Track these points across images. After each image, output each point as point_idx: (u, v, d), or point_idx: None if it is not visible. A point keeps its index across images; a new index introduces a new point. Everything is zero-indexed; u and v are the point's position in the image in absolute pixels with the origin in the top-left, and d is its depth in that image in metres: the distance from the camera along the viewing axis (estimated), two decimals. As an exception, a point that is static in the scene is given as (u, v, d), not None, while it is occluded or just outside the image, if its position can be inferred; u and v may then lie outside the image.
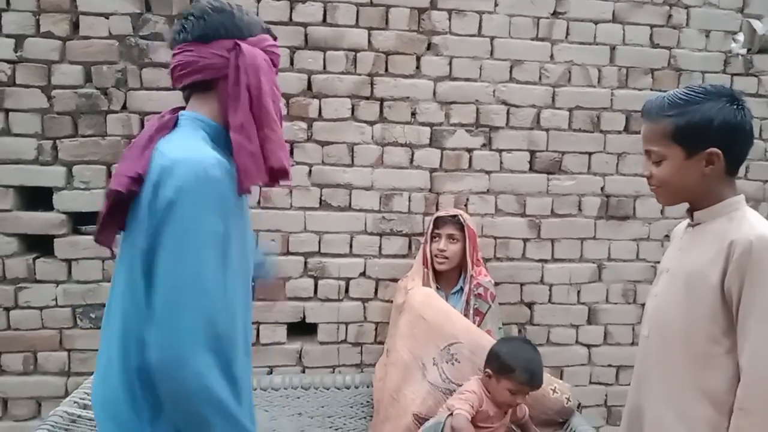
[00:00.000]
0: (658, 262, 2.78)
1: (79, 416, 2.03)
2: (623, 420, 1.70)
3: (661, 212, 2.82)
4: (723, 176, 1.47)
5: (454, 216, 2.52)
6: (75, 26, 2.44)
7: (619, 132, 2.79)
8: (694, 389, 1.44)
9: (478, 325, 2.42)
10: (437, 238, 2.52)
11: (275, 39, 1.38)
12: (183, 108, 1.34)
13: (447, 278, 2.55)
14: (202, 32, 1.26)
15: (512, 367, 1.96)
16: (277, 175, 1.27)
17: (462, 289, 2.53)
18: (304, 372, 2.66)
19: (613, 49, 2.75)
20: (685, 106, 1.44)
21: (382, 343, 2.65)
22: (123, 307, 1.19)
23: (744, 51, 2.82)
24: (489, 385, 2.02)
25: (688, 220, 1.59)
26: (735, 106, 1.44)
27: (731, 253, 1.38)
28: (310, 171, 2.61)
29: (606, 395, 2.87)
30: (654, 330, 1.56)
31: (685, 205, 1.56)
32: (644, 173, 1.55)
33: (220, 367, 1.12)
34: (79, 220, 2.50)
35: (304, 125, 2.59)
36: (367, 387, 2.54)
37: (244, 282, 1.30)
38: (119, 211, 1.19)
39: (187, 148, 1.18)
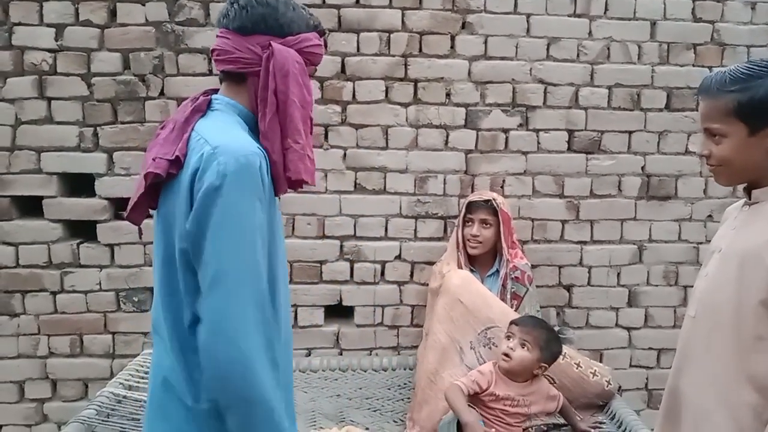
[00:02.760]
0: (701, 243, 2.77)
1: (125, 397, 2.09)
2: (663, 402, 1.66)
3: (704, 192, 2.75)
4: None
5: (488, 201, 2.49)
6: (113, 14, 2.48)
7: (660, 110, 2.71)
8: (739, 373, 1.40)
9: (516, 309, 2.40)
10: (470, 223, 2.50)
11: (323, 35, 1.36)
12: (215, 90, 1.34)
13: (482, 261, 2.54)
14: (241, 24, 1.25)
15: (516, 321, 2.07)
16: (295, 185, 1.29)
17: (498, 271, 2.51)
18: (341, 354, 2.68)
19: (653, 24, 2.68)
20: (748, 81, 1.38)
21: (418, 326, 2.65)
22: (162, 289, 1.23)
23: (793, 23, 2.71)
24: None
25: (744, 200, 1.54)
26: None
27: None
28: (345, 154, 2.61)
29: (647, 378, 2.83)
30: (702, 311, 1.51)
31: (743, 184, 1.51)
32: (702, 152, 1.49)
33: (265, 350, 1.14)
34: (120, 206, 2.55)
35: (338, 108, 2.58)
36: (404, 369, 2.55)
37: (283, 269, 1.31)
38: (153, 191, 1.21)
39: (228, 135, 1.19)
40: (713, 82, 1.43)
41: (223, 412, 1.13)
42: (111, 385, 2.13)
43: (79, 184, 2.55)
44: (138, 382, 2.18)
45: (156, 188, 1.21)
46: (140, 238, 2.54)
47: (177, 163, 1.16)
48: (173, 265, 1.18)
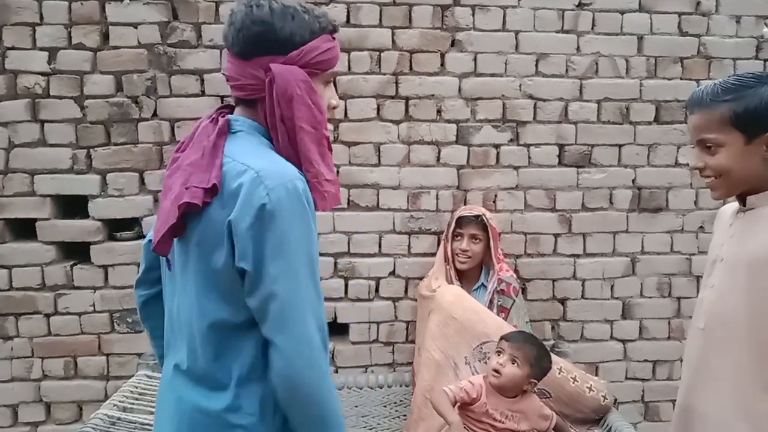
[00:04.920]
0: (694, 255, 2.78)
1: (119, 419, 2.08)
2: (674, 417, 1.64)
3: (695, 203, 2.77)
4: None
5: (478, 216, 2.51)
6: (105, 37, 2.49)
7: (650, 123, 2.74)
8: (758, 382, 1.39)
9: (505, 320, 2.40)
10: (459, 238, 2.51)
11: (335, 30, 1.30)
12: (228, 107, 1.31)
13: (468, 275, 2.55)
14: (240, 48, 1.21)
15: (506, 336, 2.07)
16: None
17: (484, 285, 2.52)
18: (336, 372, 2.68)
19: (640, 38, 2.71)
20: (741, 90, 1.40)
21: (413, 341, 2.65)
22: (200, 320, 1.19)
23: (777, 36, 2.75)
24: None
25: (734, 206, 1.54)
26: None
27: None
28: (338, 171, 2.62)
29: (643, 391, 2.82)
30: (713, 322, 1.49)
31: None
32: (697, 165, 1.48)
33: (328, 372, 1.18)
34: (114, 227, 2.56)
35: (330, 126, 2.60)
36: (400, 386, 2.54)
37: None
38: (181, 219, 1.16)
39: (266, 159, 1.17)
40: (706, 93, 1.44)
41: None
42: (105, 407, 2.12)
43: (73, 206, 2.55)
44: (132, 404, 2.17)
45: (183, 216, 1.16)
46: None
47: (213, 191, 1.13)
48: (215, 292, 1.16)
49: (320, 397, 1.15)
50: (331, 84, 1.36)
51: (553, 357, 2.27)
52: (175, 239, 1.20)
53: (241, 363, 1.18)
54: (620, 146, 2.74)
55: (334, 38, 1.30)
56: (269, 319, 1.12)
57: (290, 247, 1.12)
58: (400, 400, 2.53)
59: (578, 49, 2.69)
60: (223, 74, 1.28)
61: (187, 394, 1.22)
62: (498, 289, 2.47)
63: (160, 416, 1.32)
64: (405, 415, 2.46)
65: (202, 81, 2.53)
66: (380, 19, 2.59)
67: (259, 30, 1.19)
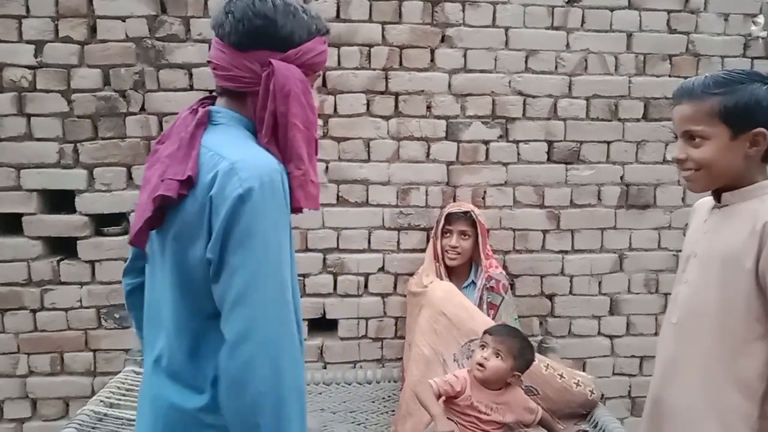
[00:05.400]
0: (681, 251, 2.78)
1: (106, 415, 2.07)
2: (645, 411, 1.67)
3: (682, 200, 2.79)
4: (758, 160, 1.44)
5: (466, 212, 2.51)
6: (92, 30, 2.47)
7: (638, 120, 2.75)
8: (727, 377, 1.41)
9: (493, 318, 2.41)
10: (448, 234, 2.51)
11: (328, 33, 1.29)
12: (210, 98, 1.29)
13: (457, 272, 2.55)
14: (238, 39, 1.18)
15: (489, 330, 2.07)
16: (294, 211, 1.23)
17: (474, 282, 2.52)
18: (325, 368, 2.68)
19: (629, 36, 2.72)
20: (732, 85, 1.40)
21: (402, 337, 2.65)
22: (176, 313, 1.18)
23: (764, 34, 2.77)
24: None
25: (710, 201, 1.55)
26: None
27: (765, 235, 1.34)
28: (327, 167, 2.61)
29: (630, 386, 2.84)
30: (686, 317, 1.52)
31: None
32: (678, 156, 1.48)
33: (297, 362, 1.15)
34: (101, 222, 2.54)
35: (320, 122, 2.59)
36: (389, 382, 2.55)
37: (296, 284, 1.27)
38: (158, 212, 1.14)
39: (244, 149, 1.15)
40: (696, 85, 1.44)
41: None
42: (92, 403, 2.11)
43: (60, 201, 2.53)
44: (119, 400, 2.16)
45: (161, 209, 1.13)
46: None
47: (188, 183, 1.11)
48: (191, 284, 1.14)
49: (291, 386, 1.10)
50: (314, 87, 1.34)
51: (540, 355, 2.29)
52: (153, 231, 1.18)
53: (217, 362, 1.14)
54: (609, 143, 2.75)
55: (325, 41, 1.29)
56: (223, 311, 1.09)
57: (255, 240, 1.08)
58: (389, 396, 2.53)
59: (568, 45, 2.69)
60: (209, 61, 1.24)
61: (163, 391, 1.20)
62: (487, 286, 2.48)
63: (140, 412, 1.31)
64: (393, 411, 2.47)
65: (191, 75, 2.51)
66: (370, 14, 2.58)
67: (261, 24, 1.18)
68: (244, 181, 1.08)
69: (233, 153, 1.12)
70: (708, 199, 1.57)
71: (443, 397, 1.98)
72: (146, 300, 1.30)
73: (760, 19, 2.77)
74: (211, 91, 2.47)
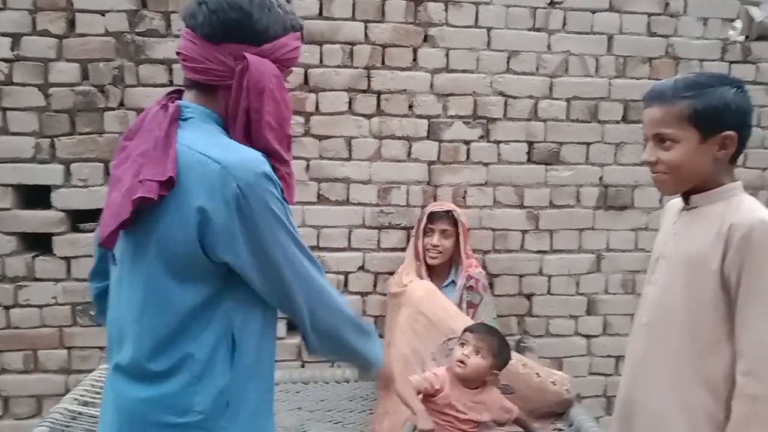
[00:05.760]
0: (654, 252, 2.82)
1: (80, 413, 2.04)
2: (615, 411, 1.68)
3: (660, 201, 2.81)
4: (726, 163, 1.46)
5: (448, 212, 2.52)
6: (71, 24, 2.44)
7: (617, 122, 2.78)
8: (695, 377, 1.43)
9: (473, 317, 2.42)
10: (430, 233, 2.51)
11: (301, 29, 1.27)
12: (177, 92, 1.26)
13: (438, 271, 2.55)
14: (212, 31, 1.15)
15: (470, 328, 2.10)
16: None
17: (454, 282, 2.53)
18: (303, 366, 2.67)
19: (610, 38, 2.74)
20: (702, 88, 1.42)
21: (381, 336, 2.65)
22: (150, 309, 1.15)
23: (742, 38, 2.81)
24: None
25: (680, 203, 1.57)
26: (744, 93, 1.44)
27: (731, 237, 1.36)
28: (308, 165, 2.61)
29: (605, 386, 2.87)
30: (655, 318, 1.54)
31: None
32: (648, 159, 1.49)
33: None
34: (77, 218, 2.51)
35: (301, 119, 2.58)
36: (366, 381, 2.54)
37: None
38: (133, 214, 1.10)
39: (225, 147, 1.13)
40: (666, 88, 1.45)
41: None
42: (65, 401, 2.07)
43: (35, 196, 2.49)
44: (94, 398, 2.13)
45: (135, 210, 1.09)
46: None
47: (169, 184, 1.07)
48: (175, 279, 1.13)
49: (345, 328, 1.29)
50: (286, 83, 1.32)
51: (517, 354, 2.30)
52: (121, 232, 1.15)
53: (199, 356, 1.14)
54: (588, 144, 2.77)
55: (299, 38, 1.28)
56: (279, 298, 1.19)
57: (266, 231, 1.13)
58: (367, 395, 2.53)
59: (549, 47, 2.71)
60: (178, 53, 1.20)
61: (129, 391, 1.17)
62: (467, 285, 2.49)
63: (103, 421, 1.27)
64: (371, 410, 2.47)
65: (171, 71, 2.49)
66: (353, 12, 2.58)
67: (236, 16, 1.15)
68: (239, 180, 1.08)
69: (217, 152, 1.10)
70: (678, 201, 1.59)
71: (421, 395, 1.99)
72: (111, 304, 1.25)
73: (738, 24, 2.80)
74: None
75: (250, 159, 1.12)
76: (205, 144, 1.12)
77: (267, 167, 1.13)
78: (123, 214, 1.09)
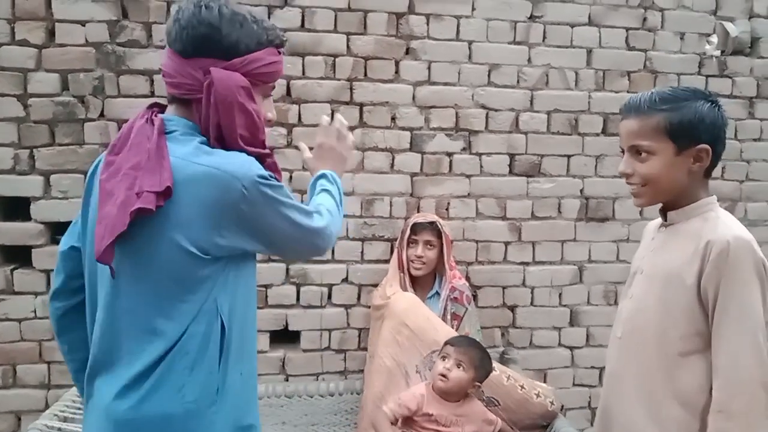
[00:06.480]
0: (636, 265, 2.85)
1: (59, 429, 2.00)
2: (596, 422, 1.70)
3: (640, 213, 2.84)
4: (701, 177, 1.49)
5: (432, 222, 2.53)
6: (51, 34, 2.42)
7: (597, 134, 2.81)
8: (666, 389, 1.45)
9: (457, 329, 2.42)
10: (414, 244, 2.52)
11: (282, 45, 1.31)
12: (158, 105, 1.30)
13: (422, 283, 2.56)
14: (183, 46, 1.20)
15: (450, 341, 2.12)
16: None
17: (438, 293, 2.54)
18: (287, 380, 2.65)
19: (589, 52, 2.78)
20: (677, 101, 1.45)
21: (365, 349, 2.64)
22: (144, 313, 1.18)
23: (718, 53, 2.86)
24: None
25: (659, 221, 1.60)
26: (718, 108, 1.47)
27: (707, 254, 1.39)
28: (291, 177, 2.60)
29: (590, 397, 2.88)
30: (629, 331, 1.56)
31: (659, 206, 1.57)
32: (625, 170, 1.51)
33: None
34: (57, 230, 2.47)
35: (284, 131, 2.58)
36: (351, 394, 2.53)
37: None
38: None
39: (218, 155, 1.19)
40: (643, 101, 1.48)
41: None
42: (45, 417, 2.04)
43: (14, 208, 2.46)
44: (74, 413, 2.09)
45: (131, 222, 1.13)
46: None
47: (167, 194, 1.11)
48: (174, 288, 1.17)
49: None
50: (270, 98, 1.36)
51: (501, 366, 2.31)
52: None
53: (190, 346, 1.17)
54: (569, 157, 2.80)
55: (280, 53, 1.30)
56: (288, 249, 1.39)
57: (275, 220, 1.23)
58: (351, 408, 2.51)
59: (529, 60, 2.74)
60: (160, 69, 1.28)
61: (123, 396, 1.17)
62: (451, 297, 2.49)
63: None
64: (356, 423, 2.45)
65: (152, 82, 2.47)
66: (335, 25, 2.58)
67: (205, 32, 1.19)
68: (243, 179, 1.15)
69: (214, 160, 1.16)
70: (657, 219, 1.62)
71: (399, 421, 1.99)
72: (105, 314, 1.22)
73: (714, 39, 2.86)
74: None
75: (246, 162, 1.19)
76: (198, 154, 1.17)
77: (261, 168, 1.21)
78: (119, 226, 1.11)
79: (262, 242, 1.25)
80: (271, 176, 1.22)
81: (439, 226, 2.52)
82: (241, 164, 1.18)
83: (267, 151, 1.29)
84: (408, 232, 2.53)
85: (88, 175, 1.33)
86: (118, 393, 1.17)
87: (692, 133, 1.44)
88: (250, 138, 1.24)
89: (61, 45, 2.42)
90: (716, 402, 1.37)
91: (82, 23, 2.42)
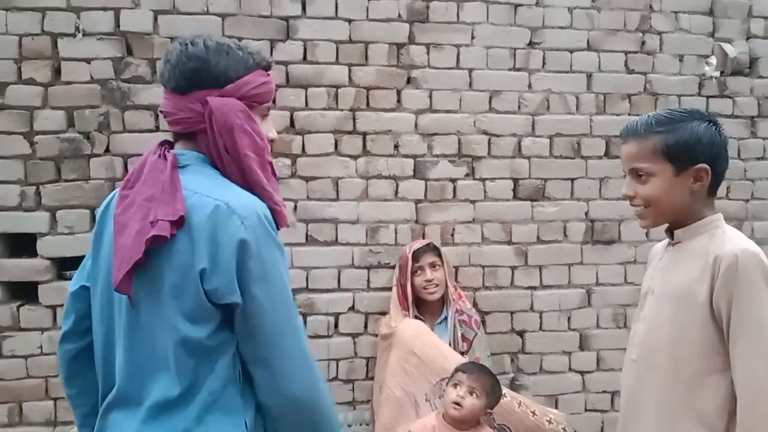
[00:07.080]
0: (645, 287, 2.83)
1: (66, 466, 1.98)
2: None
3: (647, 235, 2.84)
4: (705, 195, 1.49)
5: (429, 243, 2.54)
6: (57, 72, 2.45)
7: (600, 157, 2.82)
8: (686, 411, 1.43)
9: (467, 352, 2.40)
10: (420, 271, 2.51)
11: (269, 67, 1.35)
12: (168, 142, 1.32)
13: (431, 309, 2.55)
14: (176, 84, 1.24)
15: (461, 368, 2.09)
16: None
17: (446, 318, 2.52)
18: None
19: (589, 76, 2.80)
20: (673, 123, 1.46)
21: (373, 378, 2.62)
22: (176, 350, 1.17)
23: (717, 74, 2.88)
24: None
25: (666, 242, 1.60)
26: (715, 127, 1.48)
27: (717, 269, 1.38)
28: (296, 207, 2.61)
29: (602, 422, 2.84)
30: (643, 353, 1.55)
31: (665, 226, 1.57)
32: (627, 193, 1.53)
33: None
34: (63, 266, 2.48)
35: (288, 161, 2.60)
36: (360, 425, 2.51)
37: None
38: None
39: (229, 190, 1.21)
40: (640, 124, 1.50)
41: None
42: (51, 455, 2.03)
43: (20, 245, 2.47)
44: (81, 450, 2.07)
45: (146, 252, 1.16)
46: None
47: (180, 223, 1.15)
48: (185, 317, 1.16)
49: (321, 406, 1.24)
50: (269, 118, 1.38)
51: (512, 392, 2.28)
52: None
53: (211, 390, 1.17)
54: (572, 180, 2.80)
55: (268, 74, 1.34)
56: (259, 340, 1.18)
57: (271, 269, 1.18)
58: (359, 437, 2.48)
59: (530, 86, 2.76)
60: (160, 111, 1.31)
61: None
62: (459, 318, 2.48)
63: None
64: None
65: (157, 116, 2.50)
66: (337, 56, 2.62)
67: (194, 65, 1.23)
68: (244, 219, 1.16)
69: (221, 195, 1.18)
70: (664, 241, 1.62)
71: None
72: (123, 351, 1.22)
73: (713, 60, 2.88)
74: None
75: (254, 202, 1.21)
76: (209, 187, 1.20)
77: (267, 211, 1.22)
78: (135, 255, 1.13)
79: (248, 299, 1.19)
80: (275, 229, 1.23)
81: (437, 246, 2.55)
82: (247, 201, 1.20)
83: (279, 206, 1.29)
84: (410, 261, 2.52)
85: (100, 211, 1.35)
86: (144, 420, 1.17)
87: (689, 153, 1.45)
88: (257, 158, 1.27)
89: (67, 82, 2.46)
90: (741, 423, 1.35)
91: (88, 61, 2.46)
